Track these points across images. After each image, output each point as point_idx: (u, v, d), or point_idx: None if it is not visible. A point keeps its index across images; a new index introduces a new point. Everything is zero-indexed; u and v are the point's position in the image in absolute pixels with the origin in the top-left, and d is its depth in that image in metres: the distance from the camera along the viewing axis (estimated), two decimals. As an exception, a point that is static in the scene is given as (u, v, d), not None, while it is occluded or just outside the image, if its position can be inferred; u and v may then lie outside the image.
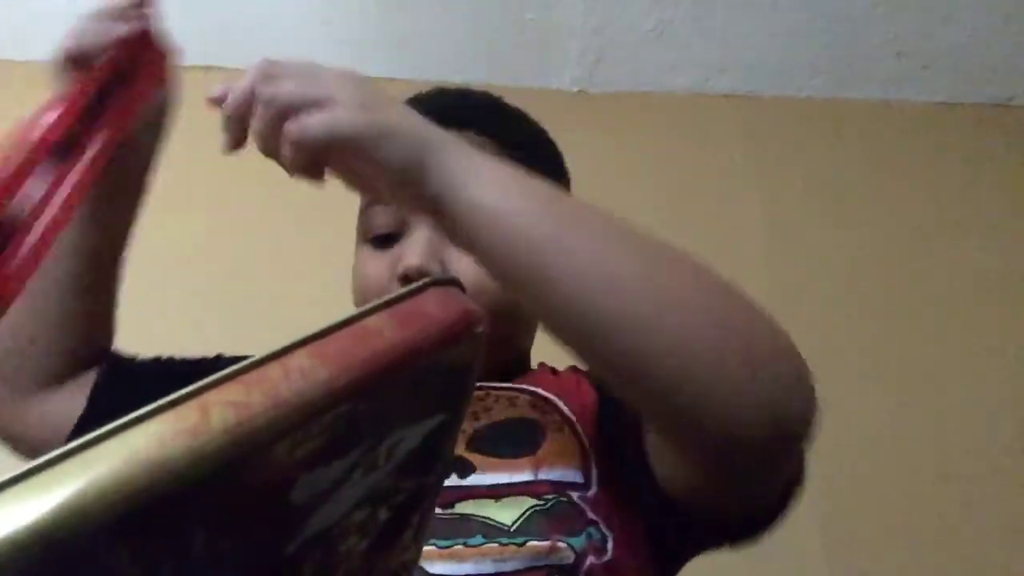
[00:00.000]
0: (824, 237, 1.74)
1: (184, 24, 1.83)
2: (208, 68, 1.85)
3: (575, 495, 0.68)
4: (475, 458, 0.69)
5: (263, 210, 1.71)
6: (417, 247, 0.80)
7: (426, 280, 0.31)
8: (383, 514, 0.33)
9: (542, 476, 0.68)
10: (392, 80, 1.84)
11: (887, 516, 1.46)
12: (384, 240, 0.84)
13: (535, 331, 0.91)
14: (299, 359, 0.28)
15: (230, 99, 0.57)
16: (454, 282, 0.32)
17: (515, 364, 0.89)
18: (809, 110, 1.88)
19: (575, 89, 1.84)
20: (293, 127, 0.54)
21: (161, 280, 1.62)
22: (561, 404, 0.75)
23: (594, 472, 0.70)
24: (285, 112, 0.54)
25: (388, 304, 0.30)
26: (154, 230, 1.68)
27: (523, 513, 0.65)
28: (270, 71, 0.56)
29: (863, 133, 1.86)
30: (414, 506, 0.35)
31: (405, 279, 0.79)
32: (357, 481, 0.31)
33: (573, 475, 0.69)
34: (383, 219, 0.84)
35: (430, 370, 0.31)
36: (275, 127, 0.55)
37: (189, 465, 0.25)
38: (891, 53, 1.82)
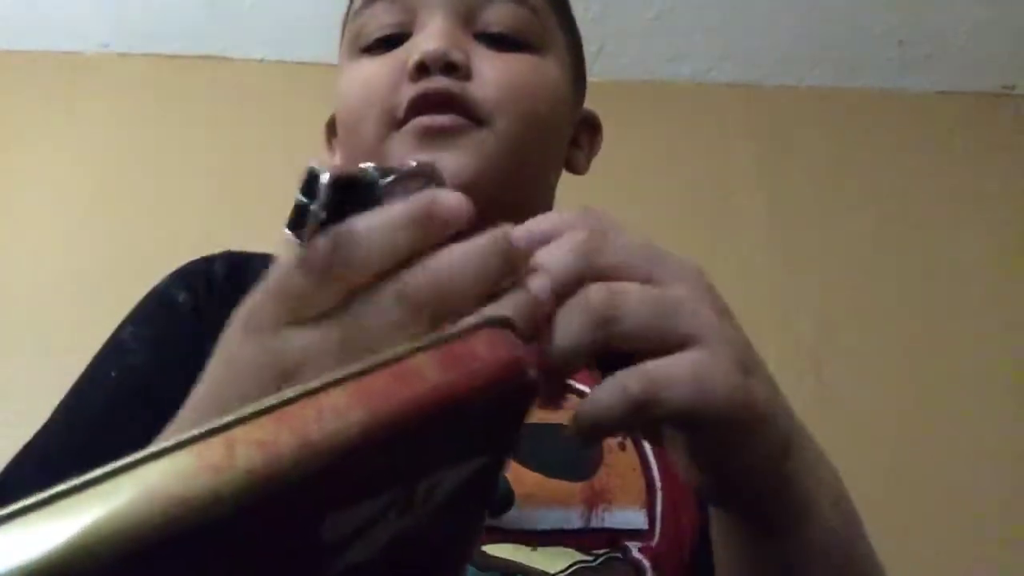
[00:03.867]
0: (826, 226, 1.74)
1: (181, 13, 1.83)
2: (206, 57, 1.85)
3: (634, 547, 0.56)
4: (513, 466, 0.55)
5: (271, 198, 1.71)
6: (434, 31, 0.64)
7: (476, 320, 0.29)
8: (419, 554, 0.33)
9: (595, 523, 0.55)
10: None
11: (890, 509, 1.47)
12: (385, 44, 0.68)
13: (551, 191, 0.76)
14: (334, 398, 0.27)
15: (539, 282, 0.35)
16: (507, 323, 0.30)
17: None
18: (811, 99, 1.88)
19: (576, 78, 1.83)
20: (645, 382, 0.35)
21: (164, 268, 1.62)
22: None
23: (659, 512, 0.57)
24: (627, 342, 0.35)
25: (434, 344, 0.28)
26: (155, 225, 1.68)
27: (568, 568, 0.54)
28: (602, 259, 0.36)
29: (865, 122, 1.86)
30: (452, 547, 0.34)
31: (420, 70, 0.63)
32: (392, 520, 0.30)
33: (634, 518, 0.57)
34: (385, 18, 0.68)
35: (474, 413, 0.29)
36: (596, 347, 0.35)
37: (210, 504, 0.24)
38: (892, 42, 1.82)
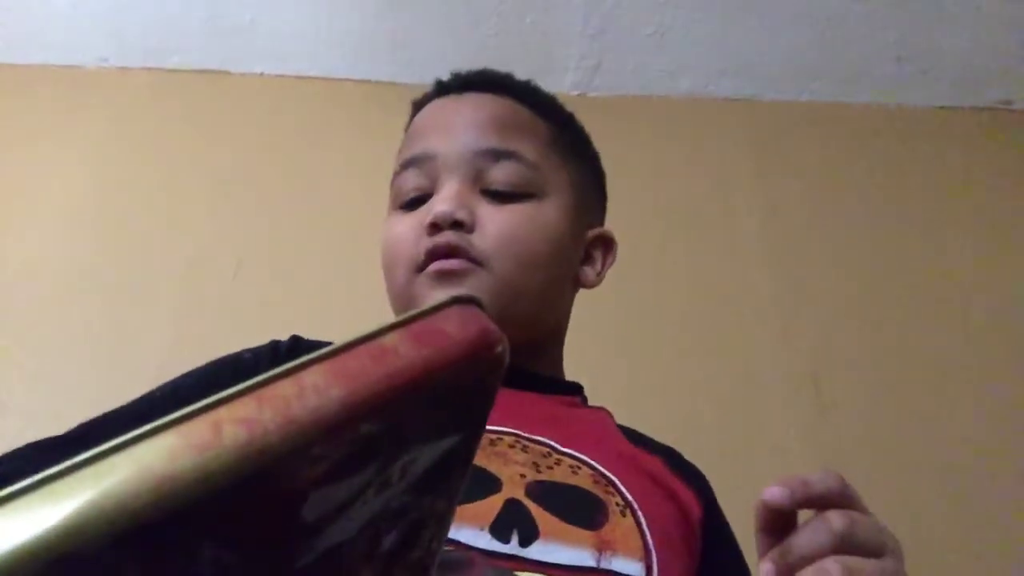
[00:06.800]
0: (824, 241, 1.74)
1: (180, 28, 1.84)
2: (206, 72, 1.85)
3: None
4: (536, 510, 0.66)
5: (270, 212, 1.71)
6: (446, 195, 0.81)
7: (445, 299, 0.31)
8: (396, 532, 0.33)
9: (604, 564, 0.64)
10: (392, 83, 1.84)
11: (889, 521, 1.46)
12: (414, 202, 0.85)
13: (557, 310, 0.90)
14: (313, 376, 0.27)
15: (801, 540, 0.50)
16: (474, 301, 0.32)
17: (542, 350, 0.87)
18: (809, 114, 1.88)
19: (575, 93, 1.83)
20: None
21: (164, 283, 1.62)
22: (623, 488, 0.71)
23: (655, 571, 0.66)
24: None
25: (405, 322, 0.30)
26: (155, 239, 1.68)
27: None
28: (853, 541, 0.50)
29: (863, 137, 1.87)
30: (428, 526, 0.34)
31: (433, 227, 0.79)
32: (370, 499, 0.31)
33: (635, 568, 0.65)
34: (414, 182, 0.85)
35: (447, 389, 0.30)
36: None
37: (199, 481, 0.25)
38: (891, 57, 1.83)
